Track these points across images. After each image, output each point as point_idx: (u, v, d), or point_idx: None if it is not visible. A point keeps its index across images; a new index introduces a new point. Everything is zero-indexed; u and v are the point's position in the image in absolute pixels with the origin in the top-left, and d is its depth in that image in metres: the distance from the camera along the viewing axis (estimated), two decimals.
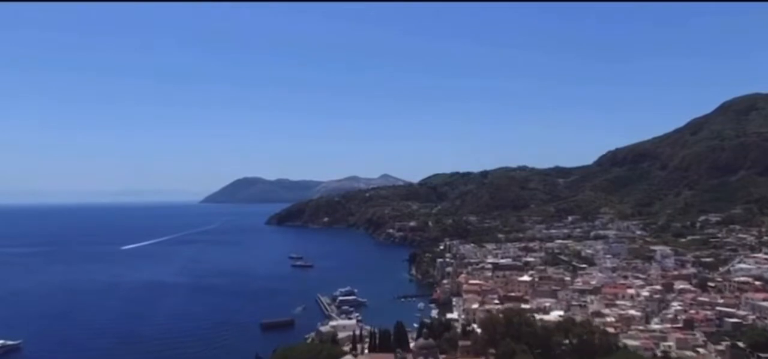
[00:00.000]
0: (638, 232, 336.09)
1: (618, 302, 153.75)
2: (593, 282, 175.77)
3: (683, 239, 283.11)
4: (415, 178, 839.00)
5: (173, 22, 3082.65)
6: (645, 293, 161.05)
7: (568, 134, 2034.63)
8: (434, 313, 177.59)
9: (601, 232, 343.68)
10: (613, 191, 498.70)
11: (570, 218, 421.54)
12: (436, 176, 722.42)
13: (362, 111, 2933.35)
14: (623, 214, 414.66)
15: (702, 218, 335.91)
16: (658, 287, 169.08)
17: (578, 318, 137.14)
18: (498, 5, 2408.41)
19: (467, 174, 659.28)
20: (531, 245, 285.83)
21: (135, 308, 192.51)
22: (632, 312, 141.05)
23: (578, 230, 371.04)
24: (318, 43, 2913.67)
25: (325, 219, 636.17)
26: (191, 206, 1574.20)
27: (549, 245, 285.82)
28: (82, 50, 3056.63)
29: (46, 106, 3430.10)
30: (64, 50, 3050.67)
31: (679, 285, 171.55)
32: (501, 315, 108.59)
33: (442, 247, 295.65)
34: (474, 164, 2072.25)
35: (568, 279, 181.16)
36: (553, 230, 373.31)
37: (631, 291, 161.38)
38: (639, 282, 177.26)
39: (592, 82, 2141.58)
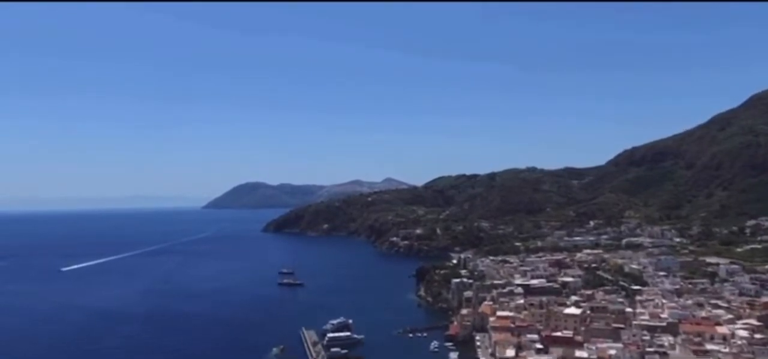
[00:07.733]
0: (676, 240, 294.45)
1: (708, 346, 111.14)
2: (663, 315, 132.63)
3: (739, 249, 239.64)
4: (420, 181, 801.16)
5: (174, 24, 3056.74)
6: (740, 331, 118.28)
7: (577, 132, 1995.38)
8: (453, 356, 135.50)
9: (634, 240, 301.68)
10: (635, 192, 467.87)
11: (592, 223, 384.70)
12: (441, 178, 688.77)
13: (364, 115, 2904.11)
14: (650, 218, 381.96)
15: (751, 222, 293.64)
16: (754, 321, 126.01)
17: None
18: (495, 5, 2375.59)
19: (474, 176, 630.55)
20: (559, 256, 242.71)
21: (64, 348, 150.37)
22: None
23: (604, 236, 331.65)
24: (319, 44, 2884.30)
25: (325, 226, 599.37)
26: (191, 212, 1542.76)
27: (580, 257, 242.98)
28: (86, 54, 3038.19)
29: (52, 111, 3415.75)
30: (67, 54, 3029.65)
31: None
32: None
33: (455, 261, 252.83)
34: (480, 166, 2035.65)
35: (628, 310, 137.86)
36: (576, 238, 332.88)
37: (722, 330, 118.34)
38: (724, 314, 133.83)
39: (601, 79, 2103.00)
